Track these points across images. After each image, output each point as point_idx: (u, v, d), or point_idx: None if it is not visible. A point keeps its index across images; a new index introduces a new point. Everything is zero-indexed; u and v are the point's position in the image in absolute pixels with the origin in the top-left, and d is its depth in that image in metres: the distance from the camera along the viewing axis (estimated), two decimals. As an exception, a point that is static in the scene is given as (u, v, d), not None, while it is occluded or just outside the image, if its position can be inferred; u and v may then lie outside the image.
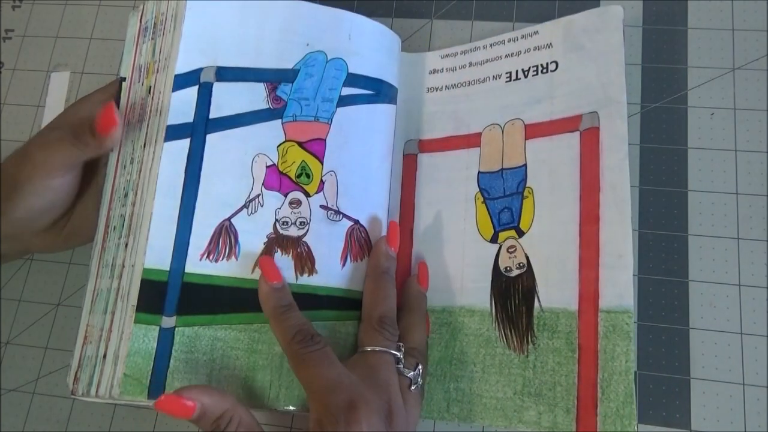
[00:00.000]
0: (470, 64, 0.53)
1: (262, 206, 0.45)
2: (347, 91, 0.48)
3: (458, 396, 0.46)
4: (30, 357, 0.52)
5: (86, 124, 0.44)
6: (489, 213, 0.49)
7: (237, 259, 0.44)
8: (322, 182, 0.46)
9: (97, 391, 0.41)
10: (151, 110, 0.45)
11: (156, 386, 0.41)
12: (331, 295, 0.45)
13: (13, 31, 0.63)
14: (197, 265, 0.43)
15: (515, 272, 0.47)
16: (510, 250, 0.47)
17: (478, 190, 0.49)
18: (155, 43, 0.47)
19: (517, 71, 0.51)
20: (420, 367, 0.43)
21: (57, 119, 0.48)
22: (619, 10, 0.49)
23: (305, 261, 0.45)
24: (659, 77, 0.52)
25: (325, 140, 0.47)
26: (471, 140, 0.51)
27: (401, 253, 0.49)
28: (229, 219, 0.45)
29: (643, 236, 0.49)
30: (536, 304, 0.46)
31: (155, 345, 0.41)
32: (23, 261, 0.55)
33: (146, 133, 0.45)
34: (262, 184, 0.46)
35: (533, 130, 0.49)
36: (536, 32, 0.51)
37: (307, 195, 0.46)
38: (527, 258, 0.47)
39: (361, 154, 0.48)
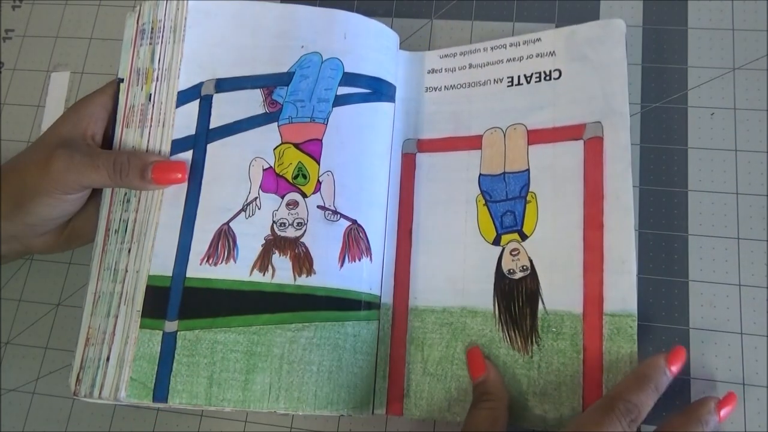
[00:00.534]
0: (470, 65, 0.53)
1: (259, 209, 0.46)
2: (344, 90, 0.48)
3: (460, 396, 0.46)
4: (30, 357, 0.53)
5: (136, 165, 0.44)
6: (491, 215, 0.49)
7: (235, 262, 0.45)
8: (318, 183, 0.46)
9: (100, 393, 0.42)
10: (152, 119, 0.46)
11: (160, 389, 0.42)
12: (329, 295, 0.45)
13: (13, 31, 0.63)
14: (198, 269, 0.44)
15: (519, 275, 0.47)
16: (513, 252, 0.47)
17: (479, 192, 0.49)
18: (153, 49, 0.47)
19: (519, 76, 0.51)
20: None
21: (64, 125, 0.48)
22: (621, 24, 0.50)
23: (303, 262, 0.45)
24: (659, 77, 0.52)
25: (321, 141, 0.47)
26: (472, 142, 0.51)
27: (401, 253, 0.49)
28: (227, 223, 0.45)
29: (643, 236, 0.49)
30: (540, 306, 0.46)
31: (159, 349, 0.43)
32: (23, 261, 0.55)
33: (148, 143, 0.46)
34: (260, 186, 0.46)
35: (536, 136, 0.49)
36: (539, 39, 0.51)
37: (304, 196, 0.46)
38: (531, 261, 0.47)
39: (358, 153, 0.48)
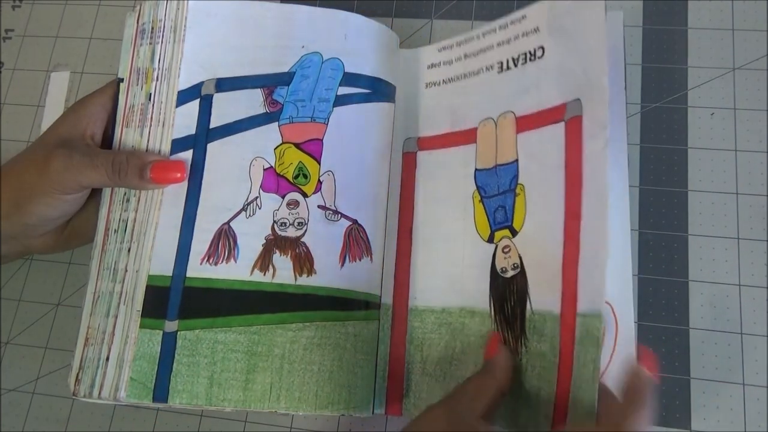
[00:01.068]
0: (465, 55, 0.51)
1: (260, 208, 0.45)
2: (344, 90, 0.48)
3: (458, 396, 0.45)
4: (30, 357, 0.53)
5: (134, 164, 0.44)
6: (486, 212, 0.47)
7: (236, 262, 0.44)
8: (319, 182, 0.46)
9: (99, 393, 0.42)
10: (152, 119, 0.46)
11: (160, 389, 0.42)
12: (330, 295, 0.45)
13: (13, 31, 0.63)
14: (198, 269, 0.44)
15: (510, 273, 0.45)
16: (505, 250, 0.46)
17: (475, 188, 0.48)
18: (153, 49, 0.47)
19: (508, 60, 0.49)
20: None
21: (63, 125, 0.48)
22: None
23: (304, 261, 0.45)
24: (659, 77, 0.52)
25: (322, 140, 0.47)
26: (468, 136, 0.50)
27: (401, 253, 0.49)
28: (228, 223, 0.45)
29: (643, 236, 0.49)
30: (528, 306, 0.44)
31: (159, 349, 0.42)
32: (23, 261, 0.55)
33: (148, 142, 0.46)
34: (260, 186, 0.46)
35: (523, 123, 0.47)
36: (524, 16, 0.48)
37: (305, 195, 0.46)
38: (520, 258, 0.45)
39: (358, 153, 0.48)
